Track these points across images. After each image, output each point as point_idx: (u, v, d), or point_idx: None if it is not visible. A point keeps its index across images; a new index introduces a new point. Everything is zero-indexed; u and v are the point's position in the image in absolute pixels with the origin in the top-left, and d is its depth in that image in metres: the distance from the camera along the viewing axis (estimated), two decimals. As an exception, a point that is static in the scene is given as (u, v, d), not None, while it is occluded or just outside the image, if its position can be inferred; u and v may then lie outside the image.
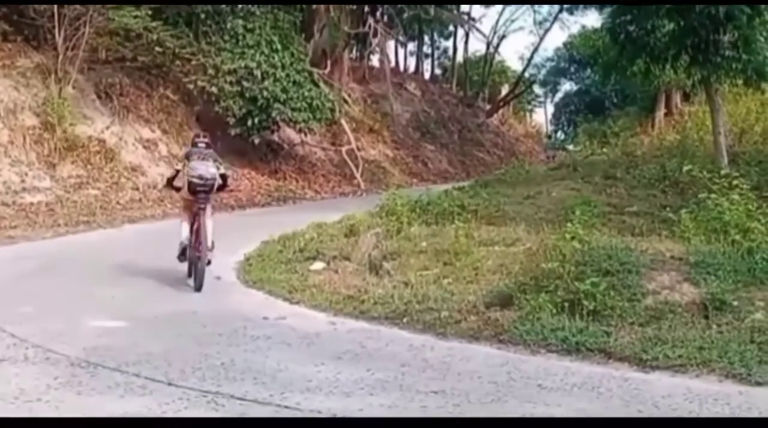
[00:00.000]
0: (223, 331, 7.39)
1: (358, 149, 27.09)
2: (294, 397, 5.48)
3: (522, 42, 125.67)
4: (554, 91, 59.40)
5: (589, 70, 51.03)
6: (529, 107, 57.92)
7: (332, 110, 24.22)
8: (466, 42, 45.54)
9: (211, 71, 21.30)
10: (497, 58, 47.44)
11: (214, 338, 7.17)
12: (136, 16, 18.83)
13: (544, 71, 56.21)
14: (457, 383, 5.90)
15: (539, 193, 16.31)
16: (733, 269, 7.74)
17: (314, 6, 26.12)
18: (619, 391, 5.75)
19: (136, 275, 10.23)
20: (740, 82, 16.50)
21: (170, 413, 5.17)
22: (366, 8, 30.15)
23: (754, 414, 5.29)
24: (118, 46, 20.33)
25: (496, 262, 9.72)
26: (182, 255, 9.82)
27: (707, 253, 8.11)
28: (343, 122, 26.52)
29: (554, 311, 7.37)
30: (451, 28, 44.94)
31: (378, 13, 31.77)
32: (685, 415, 5.25)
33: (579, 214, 9.51)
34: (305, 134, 24.78)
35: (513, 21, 46.67)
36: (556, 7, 42.47)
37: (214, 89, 21.27)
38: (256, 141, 22.49)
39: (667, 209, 11.62)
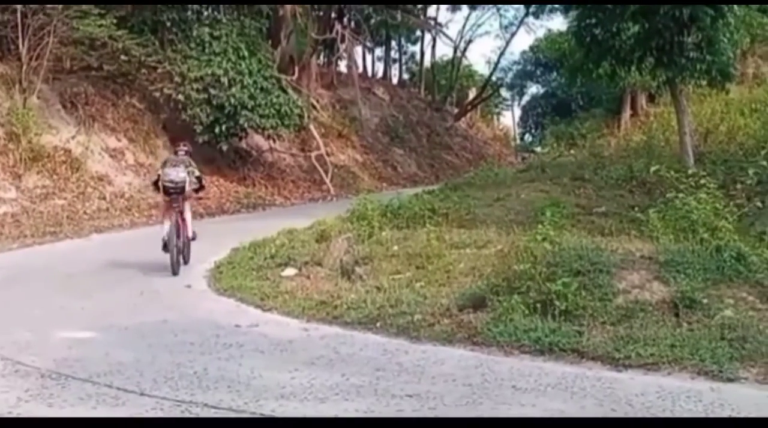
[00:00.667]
0: (195, 339, 7.33)
1: (328, 155, 27.04)
2: (269, 404, 5.45)
3: (488, 46, 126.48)
4: (521, 94, 59.58)
5: (555, 73, 51.33)
6: (497, 110, 58.12)
7: (301, 116, 24.15)
8: (434, 47, 45.77)
9: (177, 79, 21.17)
10: (464, 62, 47.58)
11: (186, 346, 7.11)
12: (101, 25, 18.64)
13: (510, 75, 56.38)
14: (431, 386, 5.90)
15: (509, 195, 16.38)
16: (702, 268, 7.81)
17: (281, 12, 26.05)
18: (593, 390, 5.78)
19: (105, 285, 10.13)
20: (705, 82, 16.71)
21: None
22: (333, 14, 30.14)
23: (726, 410, 5.34)
24: (83, 56, 20.08)
25: (468, 265, 9.74)
26: (165, 248, 11.11)
27: (676, 252, 8.18)
28: (311, 127, 26.46)
29: (527, 312, 7.40)
30: (419, 33, 45.04)
31: (345, 19, 31.76)
32: (659, 413, 5.29)
33: (549, 215, 9.56)
34: (274, 141, 24.69)
35: (479, 25, 46.86)
36: (522, 11, 42.81)
37: (180, 97, 21.12)
38: (224, 148, 22.37)
39: (635, 209, 11.69)
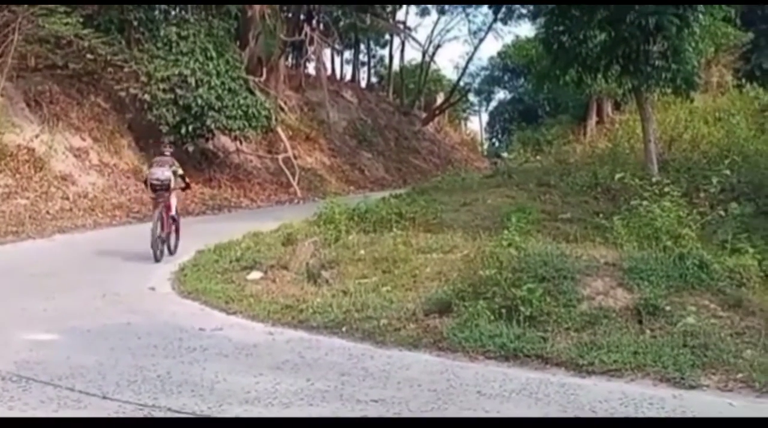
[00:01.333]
0: (159, 343, 7.26)
1: (295, 157, 26.93)
2: (233, 409, 5.41)
3: (457, 51, 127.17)
4: (488, 99, 59.92)
5: (522, 79, 51.71)
6: (464, 115, 58.36)
7: (268, 118, 24.01)
8: (402, 51, 45.80)
9: (143, 79, 20.94)
10: (433, 67, 47.66)
11: (150, 350, 7.04)
12: (66, 23, 18.37)
13: (478, 80, 56.77)
14: (397, 391, 5.90)
15: (475, 200, 16.42)
16: (666, 275, 7.89)
17: (249, 13, 25.91)
18: (557, 396, 5.81)
19: (67, 287, 9.99)
20: (669, 91, 16.89)
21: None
22: (302, 16, 30.07)
23: (688, 416, 5.40)
24: (48, 54, 19.82)
25: (434, 269, 9.75)
26: (155, 244, 12.30)
27: (640, 259, 8.26)
28: (279, 129, 26.33)
29: (492, 317, 7.43)
30: (387, 36, 45.06)
31: (314, 21, 31.70)
32: (621, 419, 5.33)
33: (515, 221, 9.59)
34: (240, 142, 24.55)
35: (448, 30, 46.97)
36: (491, 17, 43.00)
37: (146, 97, 20.90)
38: (191, 149, 22.15)
39: (600, 215, 11.77)
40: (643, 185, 10.36)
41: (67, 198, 17.98)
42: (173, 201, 13.06)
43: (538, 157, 25.32)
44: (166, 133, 20.90)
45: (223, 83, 22.01)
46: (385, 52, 47.39)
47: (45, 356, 6.74)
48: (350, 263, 10.54)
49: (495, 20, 42.96)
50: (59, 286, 10.04)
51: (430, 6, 43.10)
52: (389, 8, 39.48)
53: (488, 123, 60.69)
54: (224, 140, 24.75)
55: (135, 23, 21.47)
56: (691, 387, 6.03)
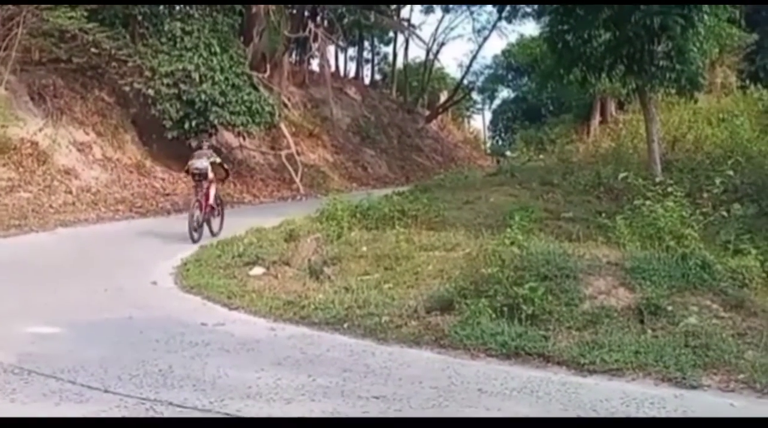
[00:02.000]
0: (161, 337, 7.27)
1: (298, 154, 26.92)
2: (234, 404, 5.41)
3: (461, 49, 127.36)
4: (492, 98, 59.92)
5: (526, 78, 51.75)
6: (468, 114, 58.33)
7: (271, 114, 23.99)
8: (406, 48, 45.75)
9: (147, 73, 20.94)
10: (436, 64, 47.67)
11: (152, 344, 7.04)
12: (71, 17, 18.36)
13: (482, 78, 56.75)
14: (398, 388, 5.90)
15: (478, 198, 16.45)
16: (668, 275, 7.89)
17: (254, 9, 25.89)
18: (558, 395, 5.81)
19: (70, 280, 10.01)
20: (674, 91, 16.86)
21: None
22: (306, 12, 30.05)
23: (689, 416, 5.40)
24: (52, 47, 19.80)
25: (436, 267, 9.76)
26: (192, 226, 13.78)
27: (642, 259, 8.25)
28: (282, 126, 26.32)
29: (494, 315, 7.43)
30: (391, 34, 45.05)
31: (318, 18, 31.68)
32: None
33: (517, 219, 9.59)
34: (244, 138, 24.55)
35: (452, 29, 46.96)
36: (495, 16, 42.99)
37: (150, 92, 20.89)
38: (194, 144, 22.07)
39: (603, 215, 11.76)
40: (646, 185, 10.35)
41: (70, 192, 17.98)
42: (212, 190, 14.46)
43: (541, 156, 25.34)
44: (169, 128, 20.97)
45: (226, 79, 21.99)
46: (389, 49, 47.46)
47: (47, 349, 6.75)
48: (352, 259, 10.56)
49: (499, 19, 43.00)
50: (61, 279, 10.06)
51: (434, 4, 43.06)
52: (394, 6, 39.46)
53: (491, 122, 60.72)
54: (227, 136, 24.74)
55: (139, 18, 21.43)
56: (693, 387, 6.03)
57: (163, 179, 21.14)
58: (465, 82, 49.36)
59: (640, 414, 5.41)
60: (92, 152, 19.99)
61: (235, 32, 24.41)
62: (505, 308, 7.47)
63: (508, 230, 8.94)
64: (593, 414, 5.39)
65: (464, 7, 43.27)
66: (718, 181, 11.43)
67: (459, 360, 6.78)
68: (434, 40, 44.99)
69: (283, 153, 26.21)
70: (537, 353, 6.77)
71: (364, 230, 12.49)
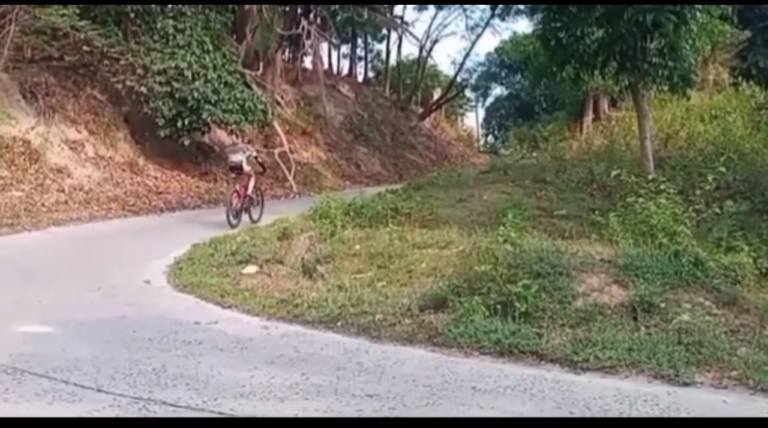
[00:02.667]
0: (154, 336, 7.25)
1: (291, 152, 26.87)
2: (228, 403, 5.41)
3: (454, 47, 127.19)
4: (485, 95, 59.93)
5: (519, 76, 51.79)
6: (461, 111, 58.28)
7: (264, 112, 23.94)
8: (400, 46, 45.77)
9: (140, 71, 20.84)
10: (430, 62, 47.65)
11: (145, 343, 7.03)
12: (63, 15, 18.27)
13: (475, 76, 56.74)
14: (392, 386, 5.90)
15: (471, 196, 16.43)
16: (661, 272, 7.92)
17: (246, 7, 25.83)
18: (552, 393, 5.82)
19: (62, 279, 9.97)
20: (666, 88, 16.88)
21: (99, 421, 5.05)
22: (299, 10, 29.97)
23: (683, 414, 5.42)
24: (44, 45, 19.70)
25: (429, 265, 9.76)
26: (230, 213, 15.03)
27: (635, 256, 8.28)
28: (275, 124, 26.27)
29: (487, 313, 7.44)
30: (385, 31, 44.98)
31: (311, 15, 31.61)
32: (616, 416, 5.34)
33: (510, 217, 9.62)
34: (237, 136, 24.49)
35: (446, 26, 47.07)
36: (488, 13, 42.95)
37: (143, 90, 20.80)
38: (186, 143, 22.09)
39: (596, 212, 11.79)
40: (639, 182, 10.39)
41: (63, 191, 17.92)
42: (250, 182, 15.75)
43: (534, 153, 25.33)
44: (162, 126, 20.89)
45: (219, 77, 21.92)
46: (383, 46, 47.37)
47: (40, 348, 6.72)
48: (346, 258, 10.55)
49: (492, 16, 42.92)
50: (54, 278, 10.02)
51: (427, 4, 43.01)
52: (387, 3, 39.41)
53: (485, 119, 60.76)
54: (220, 134, 24.67)
55: (132, 15, 21.29)
56: (686, 384, 6.05)
57: (155, 178, 21.08)
58: (458, 79, 49.41)
59: (634, 412, 5.42)
60: (85, 150, 19.91)
61: (227, 30, 24.37)
62: (499, 306, 7.49)
63: (502, 227, 8.95)
64: (587, 412, 5.40)
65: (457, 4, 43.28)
66: (710, 178, 11.46)
67: (452, 358, 6.78)
68: (427, 37, 44.99)
69: (276, 151, 26.13)
70: (530, 350, 6.78)
71: (358, 228, 12.47)
